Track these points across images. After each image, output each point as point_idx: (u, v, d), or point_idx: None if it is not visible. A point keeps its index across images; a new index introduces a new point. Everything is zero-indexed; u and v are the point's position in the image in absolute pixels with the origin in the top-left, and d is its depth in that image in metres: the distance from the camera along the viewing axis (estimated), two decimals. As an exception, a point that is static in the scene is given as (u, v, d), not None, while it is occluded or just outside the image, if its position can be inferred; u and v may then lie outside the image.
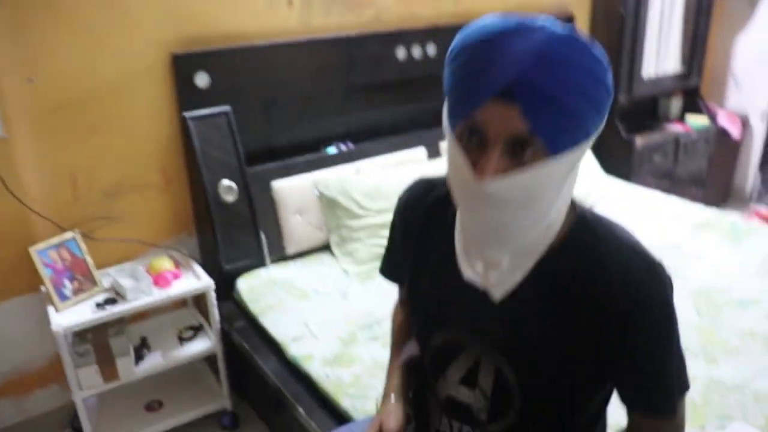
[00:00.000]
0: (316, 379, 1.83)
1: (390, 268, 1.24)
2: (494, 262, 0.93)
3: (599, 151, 3.09)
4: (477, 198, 0.84)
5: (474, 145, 0.83)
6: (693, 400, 1.61)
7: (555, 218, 0.91)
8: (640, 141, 3.36)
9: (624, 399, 0.97)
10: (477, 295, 0.97)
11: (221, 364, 2.30)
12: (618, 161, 3.31)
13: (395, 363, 1.24)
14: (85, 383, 2.06)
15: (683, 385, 0.97)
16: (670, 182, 3.55)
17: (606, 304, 0.90)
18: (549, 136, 0.80)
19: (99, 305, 2.06)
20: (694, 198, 3.28)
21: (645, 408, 0.96)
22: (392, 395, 1.17)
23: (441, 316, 1.05)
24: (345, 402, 1.72)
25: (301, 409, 1.80)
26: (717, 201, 3.85)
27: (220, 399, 2.37)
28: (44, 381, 2.34)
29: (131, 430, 2.24)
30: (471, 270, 0.97)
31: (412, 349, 1.20)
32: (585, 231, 0.94)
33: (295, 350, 1.96)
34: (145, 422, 2.28)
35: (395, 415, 1.12)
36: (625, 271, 0.90)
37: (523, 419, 1.01)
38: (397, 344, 1.27)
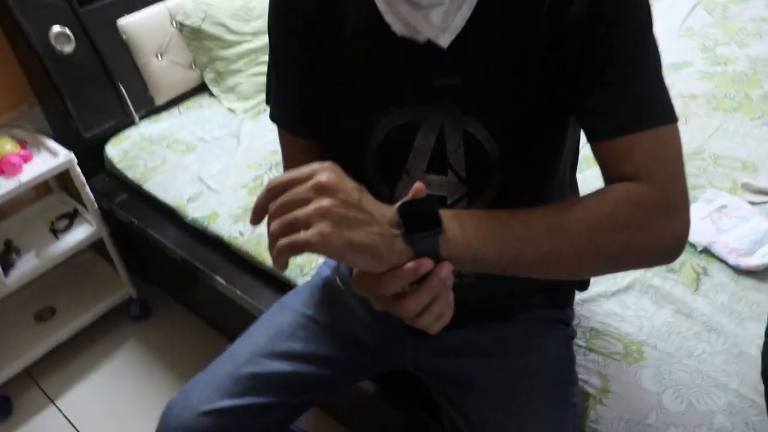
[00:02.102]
0: (229, 240, 1.51)
1: (287, 109, 0.92)
2: None
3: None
4: None
5: None
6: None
7: None
8: None
9: (593, 125, 0.74)
10: (418, 54, 0.76)
11: (111, 249, 1.92)
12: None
13: None
14: (-56, 309, 1.65)
15: (668, 109, 0.72)
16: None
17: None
18: None
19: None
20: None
21: (617, 126, 0.71)
22: None
23: (378, 100, 0.81)
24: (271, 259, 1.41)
25: (219, 278, 1.49)
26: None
27: (121, 288, 2.02)
28: None
29: (23, 348, 1.88)
30: (403, 23, 0.76)
31: None
32: None
33: (194, 212, 1.61)
34: (37, 335, 1.91)
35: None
36: None
37: (502, 192, 0.82)
38: None
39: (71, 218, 1.94)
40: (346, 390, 1.13)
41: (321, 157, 0.72)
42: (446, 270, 0.63)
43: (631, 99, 0.70)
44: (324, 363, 1.04)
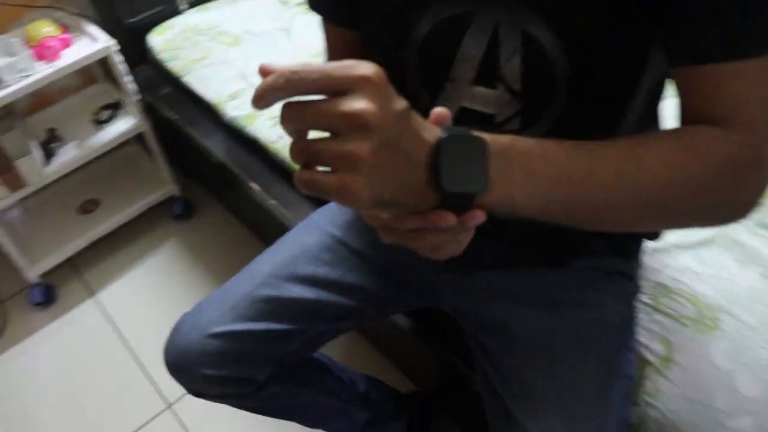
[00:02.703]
0: (266, 143, 1.39)
1: None
2: None
3: None
4: None
5: None
6: None
7: None
8: None
9: (678, 43, 0.56)
10: None
11: (153, 144, 1.84)
12: None
13: None
14: (-14, 197, 1.62)
15: None
16: None
17: None
18: None
19: (-33, 97, 1.54)
20: None
21: (709, 49, 0.54)
22: None
23: None
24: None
25: (253, 185, 1.38)
26: None
27: (164, 186, 1.96)
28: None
29: (67, 238, 1.86)
30: None
31: None
32: None
33: (233, 110, 1.49)
34: (81, 227, 1.89)
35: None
36: None
37: (565, 117, 0.65)
38: None
39: (114, 109, 1.86)
40: (373, 323, 1.02)
41: (366, 54, 0.64)
42: (474, 221, 0.50)
43: (732, 14, 0.52)
44: (349, 292, 0.93)
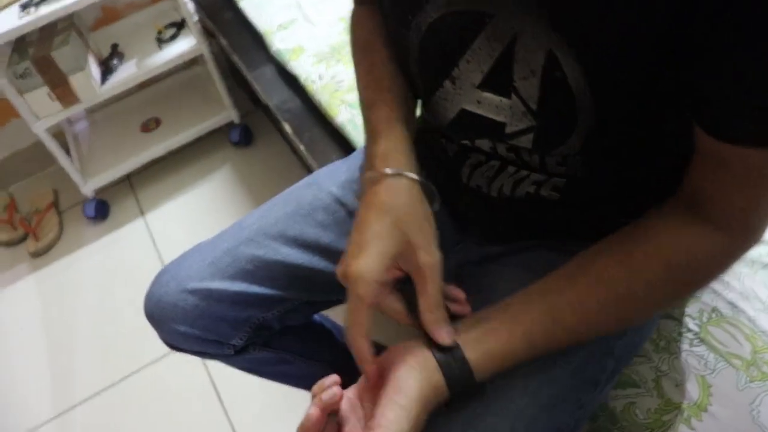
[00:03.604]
0: (306, 81, 1.27)
1: None
2: None
3: None
4: None
5: None
6: None
7: None
8: None
9: (701, 113, 0.50)
10: None
11: (212, 67, 1.77)
12: None
13: (382, 107, 0.68)
14: (40, 111, 1.61)
15: None
16: None
17: None
18: None
19: (23, 6, 1.50)
20: None
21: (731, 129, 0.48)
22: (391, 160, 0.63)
23: None
24: (342, 114, 1.16)
25: (287, 125, 1.27)
26: None
27: (223, 111, 1.89)
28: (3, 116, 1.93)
29: (126, 155, 1.85)
30: None
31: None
32: None
33: (280, 42, 1.37)
34: (141, 144, 1.88)
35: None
36: None
37: (584, 149, 0.57)
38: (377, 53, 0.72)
39: (179, 28, 1.79)
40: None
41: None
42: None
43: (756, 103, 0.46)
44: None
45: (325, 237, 0.81)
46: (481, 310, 0.59)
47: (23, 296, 1.73)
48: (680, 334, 0.75)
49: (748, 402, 0.68)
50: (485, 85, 0.58)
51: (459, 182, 0.71)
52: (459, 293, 0.62)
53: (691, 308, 0.77)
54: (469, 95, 0.60)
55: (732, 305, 0.76)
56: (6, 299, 1.73)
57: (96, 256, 1.78)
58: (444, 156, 0.72)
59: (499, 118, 0.59)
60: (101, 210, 1.85)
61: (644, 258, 0.55)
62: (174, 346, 0.88)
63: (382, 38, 0.73)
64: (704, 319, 0.76)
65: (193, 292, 0.81)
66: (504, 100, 0.58)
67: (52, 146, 1.67)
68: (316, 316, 1.02)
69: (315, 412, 0.55)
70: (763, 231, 0.54)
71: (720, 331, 0.74)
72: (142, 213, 1.85)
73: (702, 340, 0.74)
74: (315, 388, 0.56)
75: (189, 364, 1.46)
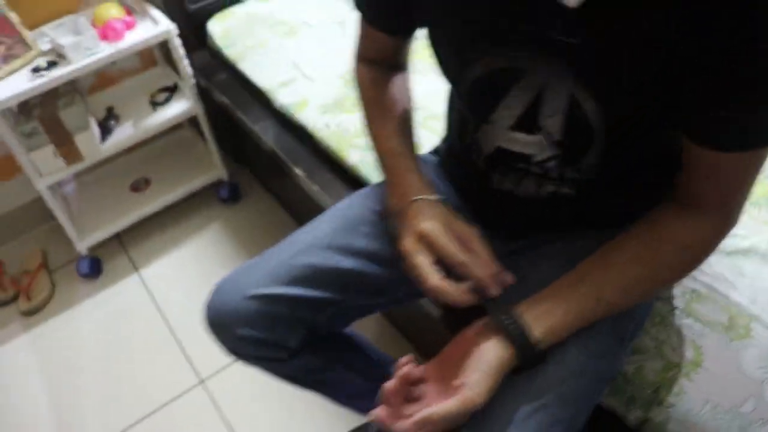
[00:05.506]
0: (313, 130, 1.42)
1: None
2: None
3: None
4: None
5: None
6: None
7: None
8: None
9: (704, 135, 0.67)
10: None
11: (205, 127, 1.90)
12: None
13: (396, 149, 0.92)
14: (44, 168, 1.70)
15: None
16: None
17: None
18: None
19: (35, 71, 1.61)
20: None
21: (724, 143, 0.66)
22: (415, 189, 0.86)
23: (483, 32, 0.72)
24: (352, 156, 1.32)
25: (298, 170, 1.42)
26: None
27: (213, 169, 2.02)
28: (7, 172, 1.99)
29: (117, 214, 1.93)
30: None
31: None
32: None
33: (284, 97, 1.53)
34: (131, 204, 1.96)
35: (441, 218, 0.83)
36: None
37: (602, 164, 0.77)
38: (387, 112, 0.96)
39: (171, 92, 1.93)
40: (407, 302, 1.03)
41: (396, 53, 0.97)
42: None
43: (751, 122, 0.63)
44: (387, 264, 0.94)
45: (372, 245, 0.94)
46: (536, 294, 0.75)
47: (19, 355, 1.75)
48: (670, 311, 0.92)
49: (733, 356, 0.85)
50: (516, 126, 0.76)
51: (490, 188, 0.87)
52: (509, 277, 0.78)
53: (676, 290, 0.94)
54: (503, 135, 0.78)
55: (707, 285, 0.93)
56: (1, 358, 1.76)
57: (91, 312, 1.83)
58: (474, 168, 0.88)
59: (528, 151, 0.78)
60: (95, 267, 1.91)
61: (660, 244, 0.73)
62: (234, 352, 0.98)
63: (390, 96, 0.95)
64: (687, 298, 0.93)
65: (254, 297, 0.92)
66: (532, 137, 0.76)
67: (53, 203, 1.75)
68: (351, 331, 1.13)
69: (394, 382, 0.71)
70: (739, 216, 0.73)
71: (701, 306, 0.91)
72: (135, 269, 1.92)
73: (688, 314, 0.91)
74: (396, 365, 0.74)
75: (199, 408, 1.53)
